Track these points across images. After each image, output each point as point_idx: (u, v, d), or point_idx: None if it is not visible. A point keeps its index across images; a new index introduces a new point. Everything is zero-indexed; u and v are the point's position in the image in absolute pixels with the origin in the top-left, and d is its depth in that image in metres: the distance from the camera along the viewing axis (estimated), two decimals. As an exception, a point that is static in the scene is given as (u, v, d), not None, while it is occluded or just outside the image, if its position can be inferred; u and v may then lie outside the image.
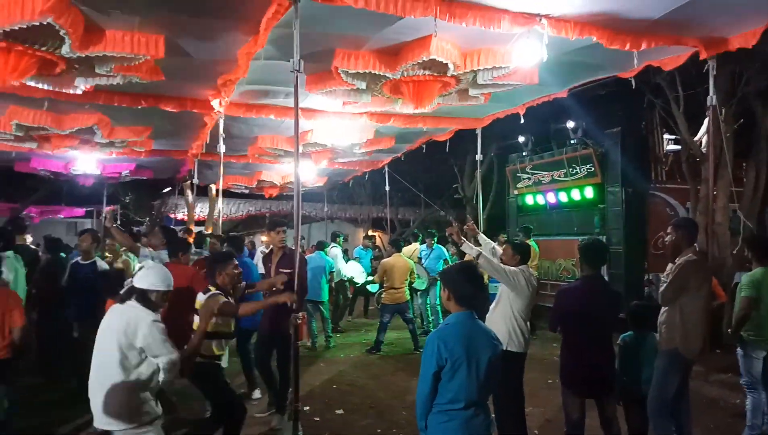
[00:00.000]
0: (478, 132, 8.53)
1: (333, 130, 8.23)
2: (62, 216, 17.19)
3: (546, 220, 11.33)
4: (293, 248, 4.78)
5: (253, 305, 4.19)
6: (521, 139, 11.74)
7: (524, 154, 11.79)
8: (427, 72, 5.77)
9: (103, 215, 8.76)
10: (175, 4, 4.48)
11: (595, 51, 5.28)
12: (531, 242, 9.41)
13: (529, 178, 11.72)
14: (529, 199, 11.89)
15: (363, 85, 6.19)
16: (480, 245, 5.19)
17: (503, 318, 4.27)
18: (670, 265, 4.03)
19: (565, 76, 6.45)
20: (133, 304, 3.17)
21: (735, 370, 5.03)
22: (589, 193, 10.26)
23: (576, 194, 10.52)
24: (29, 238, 9.12)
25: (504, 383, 4.18)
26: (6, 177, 12.48)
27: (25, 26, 4.06)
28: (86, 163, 9.98)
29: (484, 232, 9.44)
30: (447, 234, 5.17)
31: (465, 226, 5.27)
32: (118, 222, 6.67)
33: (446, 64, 5.39)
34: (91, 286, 5.52)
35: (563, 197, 10.88)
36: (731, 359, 5.05)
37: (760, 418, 4.79)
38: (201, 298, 3.97)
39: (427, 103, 6.36)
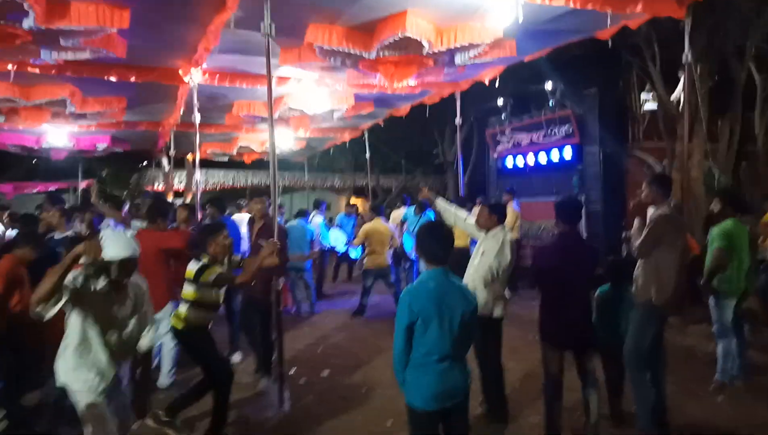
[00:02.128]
0: (457, 95, 8.49)
1: (310, 96, 8.11)
2: (38, 191, 16.83)
3: (526, 182, 11.44)
4: (272, 217, 4.79)
5: (248, 274, 4.21)
6: (500, 102, 11.73)
7: (503, 117, 11.80)
8: (402, 51, 5.73)
9: (86, 188, 8.63)
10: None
11: (570, 14, 5.26)
12: (513, 204, 9.52)
13: (508, 141, 11.77)
14: (509, 162, 11.97)
15: (338, 63, 6.12)
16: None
17: (484, 283, 4.29)
18: (636, 220, 4.12)
19: (541, 41, 6.43)
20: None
21: (710, 320, 5.21)
22: (568, 154, 10.36)
23: (555, 155, 10.61)
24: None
25: (484, 346, 4.32)
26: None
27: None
28: (58, 136, 9.74)
29: (465, 196, 9.52)
30: (420, 197, 5.19)
31: (419, 195, 5.22)
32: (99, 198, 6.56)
33: (421, 42, 5.35)
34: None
35: (542, 159, 10.97)
36: (706, 311, 5.22)
37: (729, 363, 5.00)
38: (192, 266, 3.97)
39: (403, 81, 6.33)
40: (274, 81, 7.11)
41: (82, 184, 14.48)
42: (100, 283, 3.06)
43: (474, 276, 4.33)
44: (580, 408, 4.11)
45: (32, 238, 4.64)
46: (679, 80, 8.35)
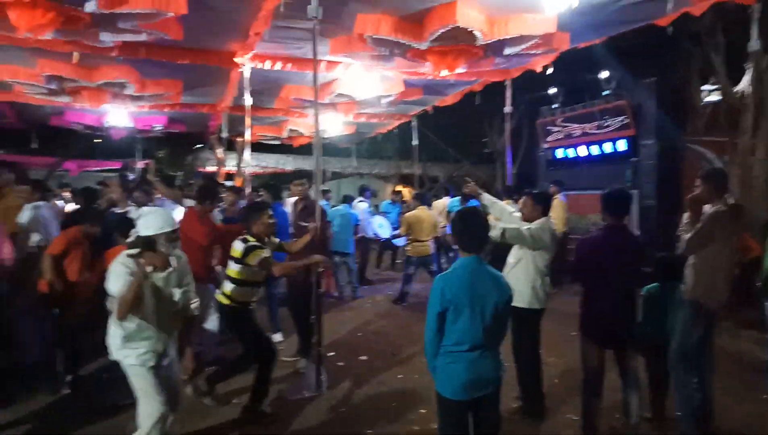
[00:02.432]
0: (507, 83, 8.32)
1: (359, 81, 8.13)
2: (99, 169, 17.65)
3: (577, 174, 11.12)
4: (314, 200, 4.87)
5: (288, 267, 4.31)
6: (552, 91, 11.41)
7: (555, 106, 11.48)
8: (452, 42, 5.66)
9: (144, 168, 9.01)
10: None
11: (623, 1, 5.06)
12: (560, 197, 9.29)
13: (560, 132, 11.45)
14: (560, 153, 11.65)
15: (387, 52, 6.12)
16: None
17: (526, 276, 4.20)
18: (686, 214, 3.94)
19: (597, 29, 6.21)
20: (121, 258, 3.20)
21: (764, 325, 4.96)
22: (622, 146, 10.00)
23: (608, 147, 10.27)
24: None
25: (523, 338, 4.26)
26: (44, 132, 12.82)
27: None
28: (118, 116, 10.15)
29: (513, 188, 9.35)
30: (465, 192, 5.08)
31: (465, 190, 5.08)
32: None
33: (472, 32, 5.27)
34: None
35: (595, 151, 10.63)
36: (762, 315, 4.96)
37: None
38: (238, 246, 4.09)
39: (453, 70, 6.26)
40: (323, 66, 7.23)
41: (141, 164, 15.08)
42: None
43: (514, 266, 4.27)
44: (620, 408, 4.00)
45: (94, 215, 4.89)
46: (744, 71, 7.88)
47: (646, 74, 9.68)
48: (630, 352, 3.86)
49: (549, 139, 11.83)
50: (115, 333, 3.24)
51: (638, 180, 9.75)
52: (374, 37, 5.61)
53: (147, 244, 3.16)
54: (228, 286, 4.17)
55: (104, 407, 4.33)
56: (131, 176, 8.82)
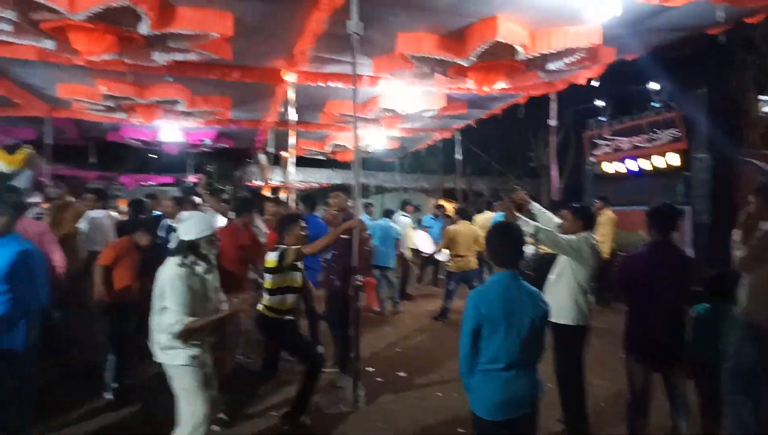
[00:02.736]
0: (553, 96, 8.20)
1: (402, 96, 8.19)
2: (152, 183, 18.36)
3: (625, 189, 10.78)
4: (352, 212, 4.92)
5: (320, 243, 4.30)
6: (600, 103, 11.16)
7: (603, 119, 11.21)
8: (493, 57, 5.64)
9: (196, 182, 9.41)
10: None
11: (674, 10, 4.92)
12: (607, 212, 9.03)
13: (608, 145, 11.17)
14: (608, 167, 11.35)
15: (428, 69, 6.16)
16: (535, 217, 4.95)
17: (568, 291, 4.07)
18: (738, 231, 3.74)
19: (645, 38, 6.06)
20: (173, 261, 3.33)
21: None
22: (673, 159, 9.64)
23: (658, 161, 9.92)
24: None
25: (566, 356, 4.13)
26: (101, 147, 13.49)
27: (105, 8, 4.38)
28: (170, 132, 10.57)
29: (558, 203, 9.16)
30: (514, 198, 4.95)
31: (514, 196, 4.95)
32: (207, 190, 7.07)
33: (513, 47, 5.24)
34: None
35: (645, 164, 10.29)
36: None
37: None
38: (271, 256, 4.16)
39: (494, 85, 6.24)
40: (366, 81, 7.34)
41: (192, 178, 15.63)
42: (198, 266, 3.32)
43: (555, 282, 4.16)
44: (668, 432, 3.82)
45: (144, 225, 5.09)
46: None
47: (698, 84, 9.33)
48: (679, 374, 3.69)
49: (596, 152, 11.55)
50: (159, 337, 3.34)
51: (691, 195, 9.37)
52: (416, 55, 5.66)
53: (190, 248, 3.29)
54: (265, 297, 4.24)
55: (147, 413, 4.46)
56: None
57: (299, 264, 4.28)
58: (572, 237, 4.09)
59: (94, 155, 13.44)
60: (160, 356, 3.37)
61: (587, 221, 4.21)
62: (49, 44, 5.46)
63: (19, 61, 6.55)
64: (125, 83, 7.33)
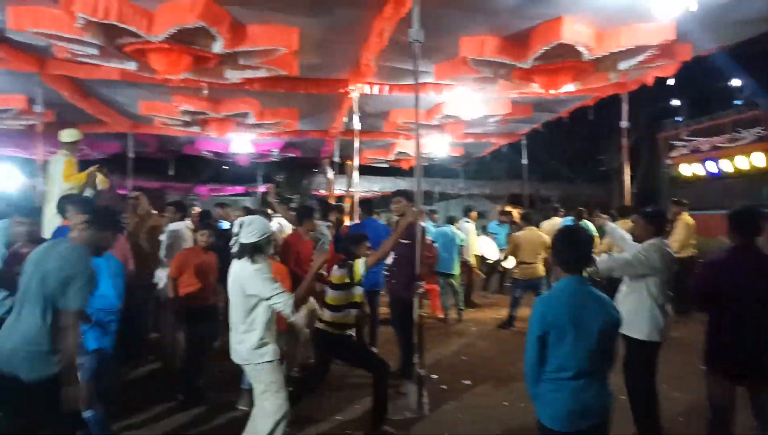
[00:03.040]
0: (624, 97, 7.90)
1: (465, 102, 8.15)
2: (225, 194, 19.22)
3: (705, 192, 10.20)
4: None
5: (380, 251, 4.34)
6: (676, 102, 10.63)
7: (679, 119, 10.68)
8: (558, 59, 5.52)
9: (266, 192, 9.81)
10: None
11: (755, 2, 4.63)
12: (685, 216, 8.57)
13: (685, 146, 10.61)
14: (685, 170, 10.77)
15: (491, 74, 6.10)
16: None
17: (642, 304, 3.88)
18: None
19: (723, 33, 5.73)
20: (242, 262, 3.50)
21: None
22: (759, 160, 9.02)
23: (742, 162, 9.31)
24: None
25: (636, 370, 3.94)
26: (178, 160, 14.26)
27: (181, 29, 4.65)
28: (242, 143, 11.02)
29: (632, 208, 8.78)
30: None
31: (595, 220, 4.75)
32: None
33: (578, 49, 5.11)
34: None
35: (726, 166, 9.69)
36: None
37: None
38: (338, 272, 4.23)
39: (560, 88, 6.09)
40: (430, 89, 7.36)
41: (261, 188, 16.21)
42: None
43: (627, 295, 3.98)
44: (755, 452, 3.56)
45: (204, 226, 5.31)
46: None
47: (788, 80, 8.72)
48: (766, 389, 3.43)
49: (672, 154, 11.00)
50: (249, 337, 3.50)
51: (779, 198, 8.73)
52: (478, 59, 5.63)
53: (255, 249, 3.48)
54: (326, 314, 4.28)
55: (217, 413, 4.64)
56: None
57: (358, 279, 4.28)
58: (638, 250, 3.90)
59: (172, 167, 14.22)
60: (248, 356, 3.51)
61: (659, 226, 4.06)
62: (131, 65, 5.86)
63: (104, 82, 7.07)
64: (200, 99, 7.74)
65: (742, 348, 3.33)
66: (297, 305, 3.46)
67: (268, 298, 3.41)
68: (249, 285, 3.44)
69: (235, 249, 3.57)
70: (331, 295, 4.27)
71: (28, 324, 2.78)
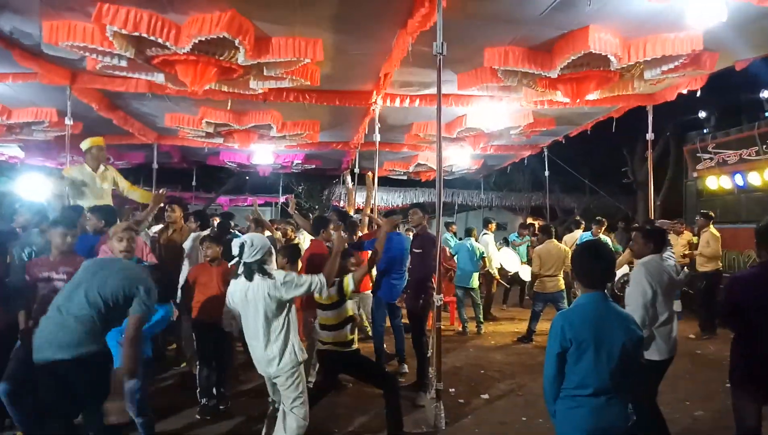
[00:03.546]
0: (649, 108, 7.80)
1: (488, 113, 8.12)
2: (247, 204, 19.41)
3: (732, 205, 9.98)
4: (427, 230, 5.05)
5: (363, 268, 4.36)
6: (702, 114, 10.45)
7: (706, 131, 10.49)
8: (584, 68, 5.49)
9: (285, 202, 9.97)
10: (331, 9, 4.85)
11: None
12: (712, 229, 8.40)
13: (711, 159, 10.40)
14: (712, 183, 10.56)
15: (515, 82, 6.09)
16: None
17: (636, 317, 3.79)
18: None
19: (754, 44, 5.63)
20: (257, 279, 3.59)
21: None
22: (788, 173, 8.81)
23: (770, 175, 9.10)
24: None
25: (648, 391, 3.84)
26: (202, 171, 14.48)
27: (206, 39, 4.76)
28: (264, 154, 11.15)
29: (656, 221, 8.62)
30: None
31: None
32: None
33: (606, 57, 5.07)
34: None
35: (754, 179, 9.48)
36: None
37: None
38: (327, 293, 4.10)
39: (583, 97, 6.04)
40: (452, 101, 7.37)
41: (282, 199, 16.34)
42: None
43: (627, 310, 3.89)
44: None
45: (207, 238, 5.32)
46: None
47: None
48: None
49: (699, 167, 10.78)
50: (275, 347, 3.63)
51: (810, 212, 8.49)
52: (503, 68, 5.62)
53: (262, 264, 3.61)
54: (324, 335, 4.27)
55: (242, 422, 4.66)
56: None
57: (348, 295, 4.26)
58: (633, 288, 3.84)
59: (195, 178, 14.44)
60: (276, 366, 3.62)
61: (658, 243, 4.03)
62: (159, 77, 5.99)
63: (132, 94, 7.25)
64: (224, 111, 7.87)
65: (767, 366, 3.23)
66: (329, 282, 3.77)
67: (309, 288, 3.62)
68: (283, 293, 3.58)
69: (240, 270, 3.64)
70: (323, 315, 4.24)
71: (72, 328, 3.10)
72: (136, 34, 4.66)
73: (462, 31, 5.12)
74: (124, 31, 4.63)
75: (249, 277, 3.61)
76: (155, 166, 10.57)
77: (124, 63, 5.51)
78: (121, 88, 6.78)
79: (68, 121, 6.96)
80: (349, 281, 4.11)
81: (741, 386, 3.40)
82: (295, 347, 3.68)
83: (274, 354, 3.62)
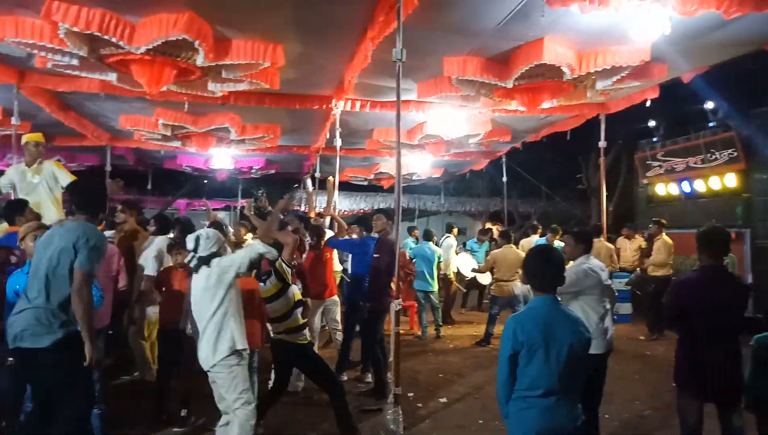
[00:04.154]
0: (602, 117, 8.07)
1: (447, 121, 8.24)
2: (204, 209, 19.06)
3: (680, 211, 10.41)
4: (388, 235, 5.24)
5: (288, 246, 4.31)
6: (652, 123, 10.87)
7: (655, 139, 10.92)
8: (539, 78, 5.65)
9: (241, 208, 9.82)
10: (292, 14, 4.83)
11: (729, 25, 4.79)
12: (664, 237, 8.73)
13: (660, 166, 10.83)
14: (661, 189, 10.98)
15: (473, 92, 6.21)
16: None
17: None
18: None
19: (698, 57, 5.91)
20: (206, 269, 3.62)
21: None
22: (731, 181, 9.25)
23: (715, 183, 9.54)
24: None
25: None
26: (158, 174, 14.12)
27: (164, 41, 4.66)
28: (222, 159, 10.98)
29: (609, 226, 8.90)
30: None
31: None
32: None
33: (560, 68, 5.23)
34: None
35: (700, 186, 9.91)
36: None
37: None
38: (270, 283, 4.16)
39: (537, 106, 6.22)
40: (413, 108, 7.45)
41: (241, 202, 16.08)
42: None
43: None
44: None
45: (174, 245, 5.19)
46: None
47: (758, 103, 8.97)
48: (736, 408, 3.49)
49: (649, 174, 11.21)
50: (234, 327, 3.60)
51: (751, 218, 8.94)
52: (461, 78, 5.72)
53: (213, 256, 3.62)
54: (276, 326, 4.26)
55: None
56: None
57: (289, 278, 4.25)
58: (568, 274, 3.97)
59: (151, 181, 14.07)
60: (212, 356, 3.54)
61: (588, 245, 4.19)
62: (112, 77, 5.83)
63: (84, 94, 7.02)
64: (181, 113, 7.71)
65: (709, 367, 3.38)
66: (264, 241, 3.82)
67: (251, 257, 3.61)
68: (228, 271, 3.57)
69: (193, 263, 3.62)
70: (273, 308, 4.21)
71: (36, 305, 3.13)
72: (89, 32, 4.52)
73: (422, 40, 5.20)
74: (76, 29, 4.49)
75: (197, 270, 3.63)
76: (109, 168, 10.25)
77: (76, 62, 5.35)
78: (73, 88, 6.56)
79: (15, 121, 6.70)
80: (281, 263, 4.10)
81: (684, 386, 3.55)
82: (235, 335, 3.56)
83: (211, 342, 3.53)
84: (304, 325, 4.32)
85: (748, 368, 3.69)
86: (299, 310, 4.26)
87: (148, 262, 5.26)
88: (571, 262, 4.16)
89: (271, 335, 4.36)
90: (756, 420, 3.77)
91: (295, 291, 4.30)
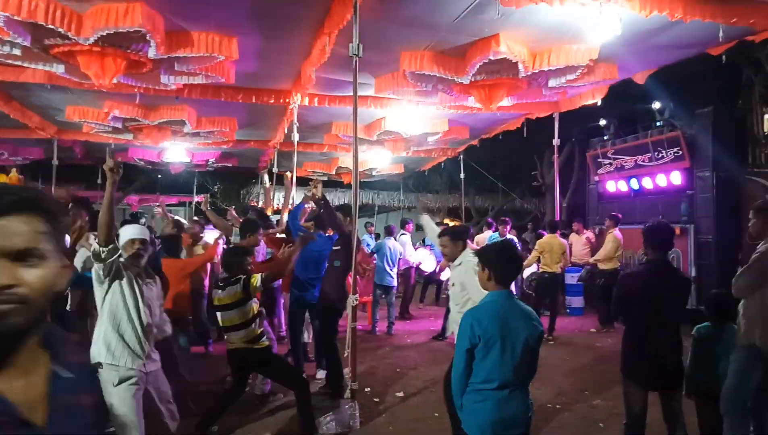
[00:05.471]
0: (556, 116, 8.26)
1: (405, 118, 8.27)
2: (157, 203, 18.53)
3: (629, 207, 10.76)
4: (347, 232, 5.17)
5: (275, 266, 4.47)
6: (603, 122, 11.21)
7: (606, 138, 11.26)
8: (495, 75, 5.73)
9: (198, 201, 9.59)
10: (248, 6, 4.75)
11: (675, 29, 4.98)
12: (615, 232, 9.02)
13: (611, 164, 11.18)
14: (611, 186, 11.34)
15: (430, 87, 6.25)
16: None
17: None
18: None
19: (647, 59, 6.12)
20: None
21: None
22: (676, 178, 9.64)
23: (662, 180, 9.92)
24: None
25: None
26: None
27: (114, 32, 4.50)
28: (176, 152, 10.71)
29: (563, 221, 9.14)
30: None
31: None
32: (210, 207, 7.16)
33: (516, 63, 5.32)
34: None
35: (647, 183, 10.29)
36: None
37: None
38: (231, 290, 4.16)
39: (497, 103, 6.31)
40: (371, 103, 7.44)
41: (197, 198, 15.73)
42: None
43: (455, 309, 4.08)
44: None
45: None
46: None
47: (702, 104, 9.38)
48: (677, 395, 3.66)
49: (600, 171, 11.56)
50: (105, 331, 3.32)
51: (694, 214, 9.35)
52: (418, 73, 5.75)
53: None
54: (232, 336, 4.22)
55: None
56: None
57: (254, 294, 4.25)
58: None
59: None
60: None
61: (465, 240, 4.22)
62: (59, 68, 5.60)
63: (29, 85, 6.71)
64: (133, 105, 7.47)
65: (652, 356, 3.53)
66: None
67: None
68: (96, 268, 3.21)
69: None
70: (225, 316, 4.16)
71: None
72: (32, 21, 4.33)
73: (379, 34, 5.20)
74: (17, 18, 4.29)
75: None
76: (55, 162, 9.85)
77: (17, 51, 5.11)
78: (15, 78, 6.27)
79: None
80: (257, 279, 4.06)
81: (630, 375, 3.69)
82: (100, 341, 3.18)
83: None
84: (261, 334, 4.28)
85: (689, 357, 3.88)
86: (257, 321, 4.22)
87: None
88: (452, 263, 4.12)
89: (228, 344, 4.28)
90: (695, 405, 3.98)
91: (254, 305, 4.25)
